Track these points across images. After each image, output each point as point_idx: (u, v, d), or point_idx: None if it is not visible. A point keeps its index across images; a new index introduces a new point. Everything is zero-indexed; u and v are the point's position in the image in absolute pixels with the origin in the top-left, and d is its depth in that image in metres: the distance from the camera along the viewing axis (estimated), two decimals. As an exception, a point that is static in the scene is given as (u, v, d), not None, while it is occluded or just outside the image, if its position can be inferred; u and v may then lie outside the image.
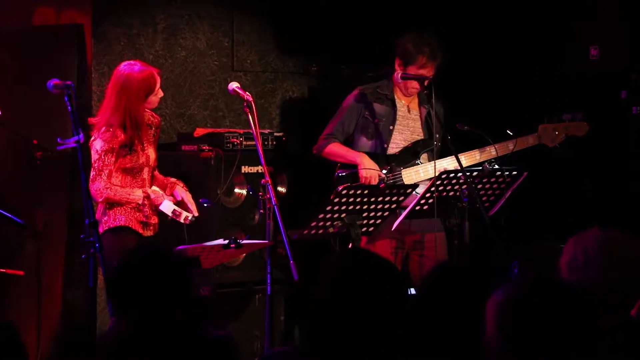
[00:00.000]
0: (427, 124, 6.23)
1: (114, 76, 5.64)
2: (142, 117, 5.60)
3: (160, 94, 5.68)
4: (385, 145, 6.15)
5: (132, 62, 5.68)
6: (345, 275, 2.86)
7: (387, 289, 2.84)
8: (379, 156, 6.11)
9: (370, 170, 6.00)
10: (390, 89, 6.21)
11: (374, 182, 5.93)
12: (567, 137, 6.18)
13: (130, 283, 3.30)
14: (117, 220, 5.56)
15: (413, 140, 6.19)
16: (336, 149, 6.17)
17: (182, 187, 5.77)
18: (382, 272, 2.89)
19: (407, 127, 6.21)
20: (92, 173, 5.50)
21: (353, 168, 6.07)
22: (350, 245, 5.48)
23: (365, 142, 6.18)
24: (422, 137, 6.21)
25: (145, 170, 5.69)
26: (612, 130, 6.78)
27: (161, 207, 5.58)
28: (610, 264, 3.35)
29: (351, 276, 2.85)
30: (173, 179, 5.81)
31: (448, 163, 5.94)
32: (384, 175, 6.02)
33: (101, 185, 5.48)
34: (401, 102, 6.22)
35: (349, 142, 6.22)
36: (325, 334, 2.81)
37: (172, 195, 5.71)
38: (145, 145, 5.68)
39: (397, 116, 6.19)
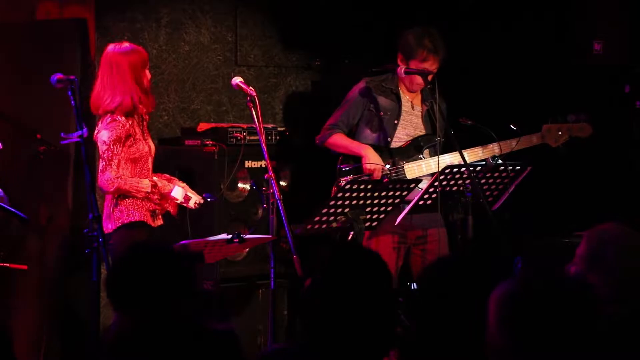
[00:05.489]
0: (428, 120, 6.23)
1: (104, 59, 5.61)
2: (145, 89, 5.57)
3: (148, 75, 5.65)
4: (389, 139, 6.15)
5: (117, 43, 5.67)
6: (333, 272, 2.87)
7: (375, 283, 2.86)
8: (382, 149, 6.11)
9: (374, 164, 6.00)
10: (395, 83, 6.20)
11: (377, 175, 5.93)
12: (570, 138, 6.16)
13: (133, 278, 3.30)
14: (131, 215, 5.52)
15: (416, 136, 6.19)
16: (340, 140, 6.17)
17: (178, 181, 5.77)
18: (370, 266, 2.90)
19: (410, 123, 6.21)
20: (102, 164, 5.46)
21: (356, 161, 6.08)
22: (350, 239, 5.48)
23: (368, 134, 6.18)
24: (424, 133, 6.21)
25: (149, 160, 5.68)
26: (616, 124, 6.77)
27: (172, 194, 5.58)
28: (622, 257, 3.39)
29: (339, 272, 2.87)
30: (167, 175, 5.79)
31: (451, 158, 5.94)
32: (387, 170, 6.01)
33: (112, 175, 5.45)
34: (405, 98, 6.22)
35: (352, 133, 6.22)
36: (318, 331, 2.82)
37: None
38: (145, 135, 5.68)
39: (402, 111, 6.19)
